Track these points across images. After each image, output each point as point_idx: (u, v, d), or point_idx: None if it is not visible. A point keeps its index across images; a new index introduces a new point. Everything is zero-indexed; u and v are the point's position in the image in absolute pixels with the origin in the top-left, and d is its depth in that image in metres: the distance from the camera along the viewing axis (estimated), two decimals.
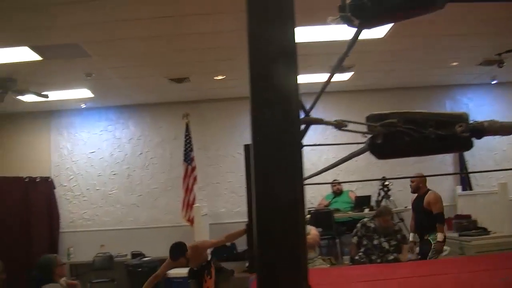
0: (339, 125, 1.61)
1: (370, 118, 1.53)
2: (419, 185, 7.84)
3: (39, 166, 10.30)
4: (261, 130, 1.13)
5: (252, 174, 1.14)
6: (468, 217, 9.47)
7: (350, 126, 1.64)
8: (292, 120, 1.14)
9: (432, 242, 7.39)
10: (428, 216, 7.57)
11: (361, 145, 1.67)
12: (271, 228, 1.12)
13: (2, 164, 10.10)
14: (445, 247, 7.72)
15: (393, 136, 1.50)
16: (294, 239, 1.12)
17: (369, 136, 1.58)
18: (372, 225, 7.47)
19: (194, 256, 5.88)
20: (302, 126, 1.71)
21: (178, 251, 5.85)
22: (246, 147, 6.16)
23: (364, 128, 1.57)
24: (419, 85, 10.48)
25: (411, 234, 7.96)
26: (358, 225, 7.63)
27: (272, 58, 1.14)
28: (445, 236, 7.45)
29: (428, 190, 7.78)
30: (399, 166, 10.33)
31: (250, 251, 6.61)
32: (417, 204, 7.84)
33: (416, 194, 7.94)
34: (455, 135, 1.48)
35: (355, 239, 7.61)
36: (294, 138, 1.15)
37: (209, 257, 6.68)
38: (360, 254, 7.37)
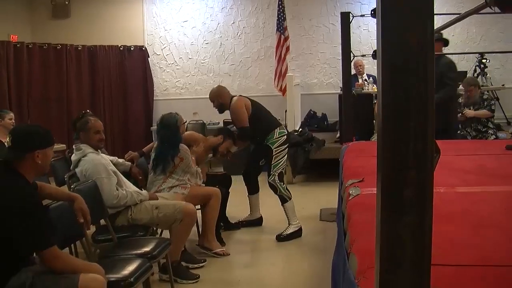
0: None
1: None
2: None
3: (133, 35, 10.45)
4: None
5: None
6: None
7: None
8: None
9: None
10: None
11: None
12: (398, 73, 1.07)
13: (98, 34, 10.29)
14: None
15: None
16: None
17: None
18: (460, 99, 7.39)
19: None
20: None
21: None
22: (344, 15, 5.97)
23: None
24: None
25: None
26: None
27: None
28: None
29: None
30: (499, 43, 9.79)
31: (342, 122, 6.54)
32: None
33: None
34: None
35: None
36: None
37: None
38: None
